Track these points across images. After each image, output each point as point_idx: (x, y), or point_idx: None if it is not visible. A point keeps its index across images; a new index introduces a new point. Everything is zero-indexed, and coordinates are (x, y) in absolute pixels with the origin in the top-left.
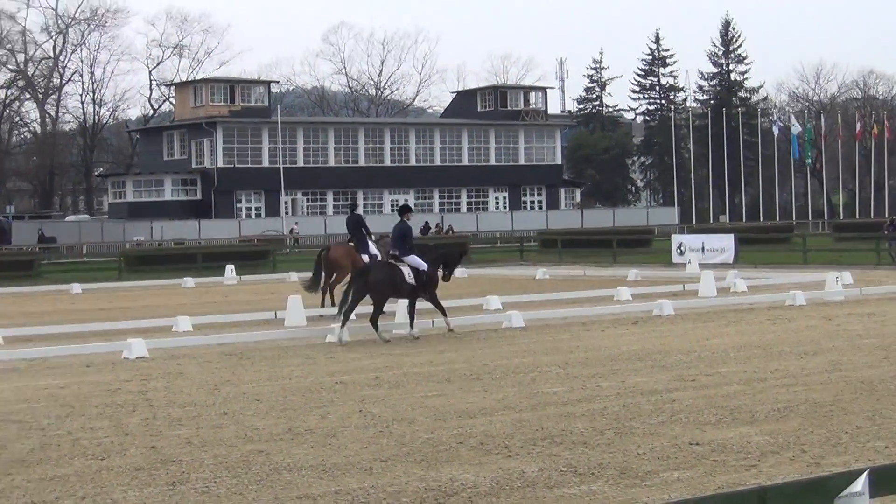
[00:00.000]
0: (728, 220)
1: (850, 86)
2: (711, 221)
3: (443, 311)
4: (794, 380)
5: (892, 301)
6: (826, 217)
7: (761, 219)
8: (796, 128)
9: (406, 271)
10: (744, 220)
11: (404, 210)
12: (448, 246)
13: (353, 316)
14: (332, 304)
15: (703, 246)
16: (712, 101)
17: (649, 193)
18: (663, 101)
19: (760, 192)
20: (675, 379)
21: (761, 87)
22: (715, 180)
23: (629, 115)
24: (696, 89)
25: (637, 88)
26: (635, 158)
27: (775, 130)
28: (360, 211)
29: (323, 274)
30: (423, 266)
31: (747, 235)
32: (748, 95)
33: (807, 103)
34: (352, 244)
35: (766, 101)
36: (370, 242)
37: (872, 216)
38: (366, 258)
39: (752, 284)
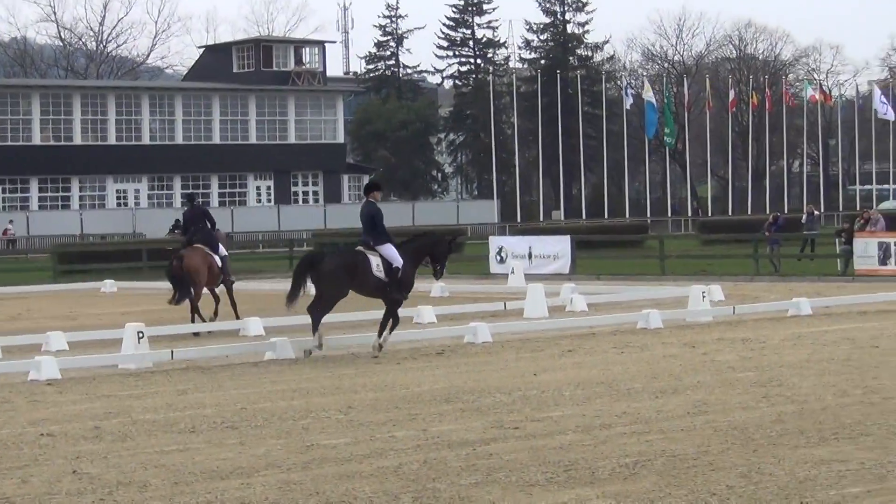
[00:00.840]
0: (563, 218)
1: (721, 42)
2: (542, 220)
3: (394, 323)
4: (648, 426)
5: (773, 322)
6: (690, 214)
7: (606, 216)
8: (651, 97)
9: (375, 262)
10: (584, 217)
11: (371, 188)
12: (428, 234)
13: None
14: (204, 320)
15: (529, 251)
16: (543, 62)
17: (460, 182)
18: (479, 61)
19: (605, 181)
20: (492, 426)
21: (607, 42)
22: (546, 165)
23: (434, 79)
24: (522, 45)
25: (444, 44)
26: (442, 136)
27: (626, 100)
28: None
29: (179, 289)
30: (398, 262)
31: (588, 238)
32: (589, 54)
33: (666, 65)
34: (200, 246)
35: (614, 61)
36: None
37: (750, 212)
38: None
39: (595, 302)
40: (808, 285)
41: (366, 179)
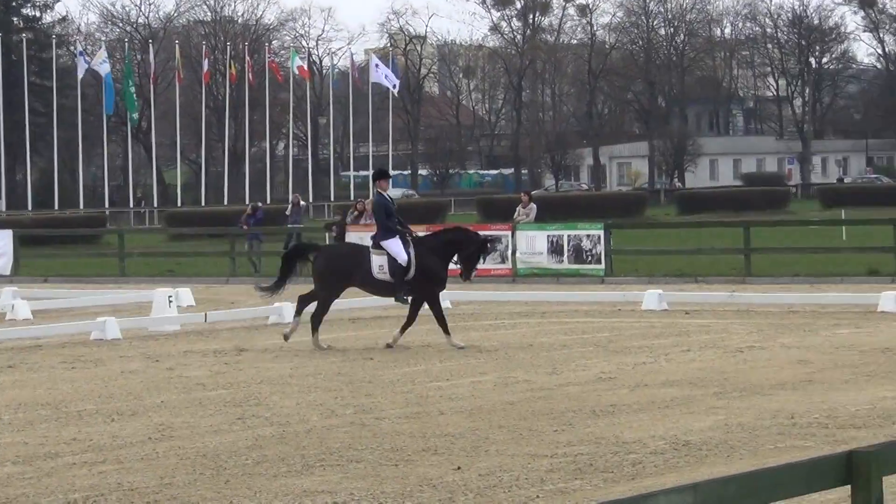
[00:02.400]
0: (4, 209)
1: (196, 2)
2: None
3: (443, 326)
4: (102, 454)
5: (251, 332)
6: (157, 204)
7: (57, 207)
8: (107, 66)
9: (378, 262)
10: (30, 208)
11: (379, 176)
12: (460, 229)
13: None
14: None
15: None
16: None
17: None
18: None
19: (56, 165)
20: None
21: (59, 1)
22: None
23: None
24: None
25: None
26: None
27: (80, 70)
28: None
29: None
30: (403, 257)
31: (34, 232)
32: (38, 14)
33: (129, 28)
34: None
35: (67, 23)
36: None
37: (226, 202)
38: None
39: (41, 308)
40: (294, 288)
41: None
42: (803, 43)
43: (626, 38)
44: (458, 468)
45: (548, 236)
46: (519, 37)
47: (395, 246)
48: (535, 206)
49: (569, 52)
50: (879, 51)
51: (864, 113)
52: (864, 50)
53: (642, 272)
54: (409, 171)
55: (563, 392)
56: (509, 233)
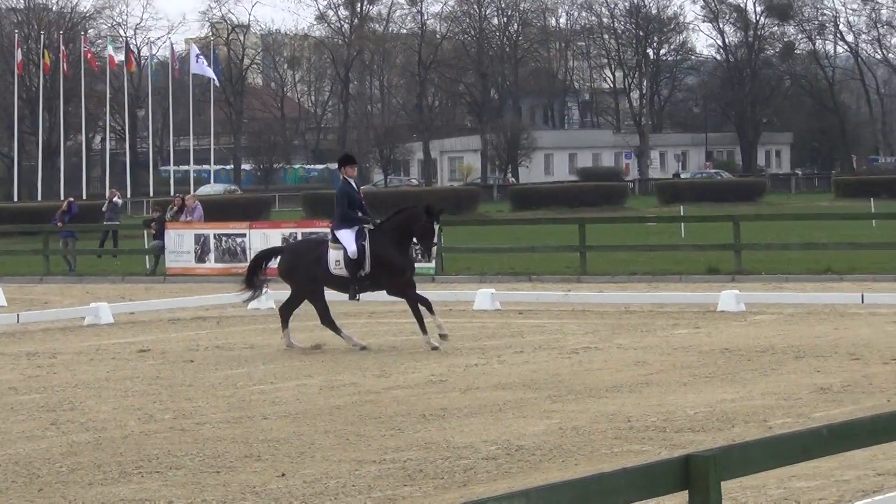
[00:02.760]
0: None
1: None
2: None
3: (426, 307)
4: None
5: (67, 333)
6: None
7: None
8: None
9: (335, 257)
10: None
11: (345, 161)
12: (407, 208)
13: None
14: None
15: None
16: None
17: None
18: None
19: None
20: None
21: None
22: None
23: None
24: None
25: None
26: None
27: None
28: None
29: None
30: (351, 248)
31: None
32: None
33: None
34: None
35: None
36: None
37: (40, 198)
38: None
39: None
40: (111, 287)
41: None
42: (641, 33)
43: (458, 28)
44: (283, 475)
45: None
46: (346, 26)
47: (346, 237)
48: None
49: (398, 43)
50: (719, 42)
51: (703, 106)
52: (704, 41)
53: (474, 271)
54: (232, 166)
55: (392, 395)
56: None
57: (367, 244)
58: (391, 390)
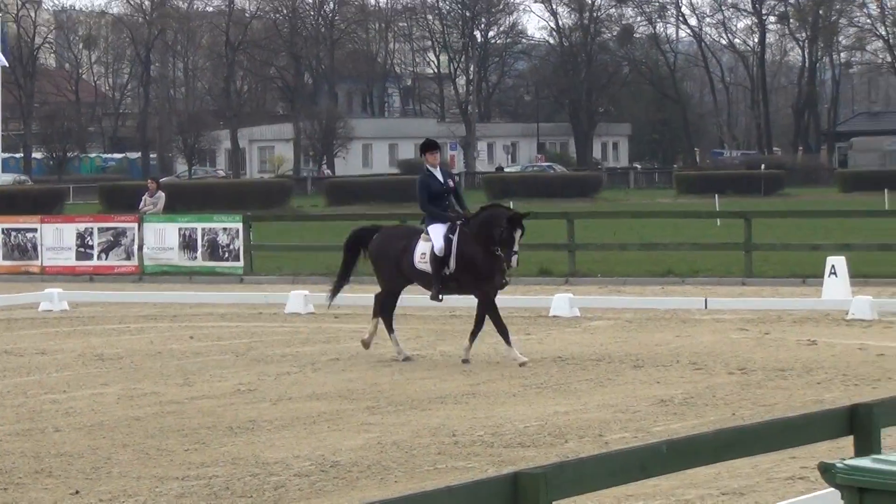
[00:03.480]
0: None
1: None
2: None
3: (503, 335)
4: None
5: None
6: None
7: None
8: None
9: (421, 250)
10: None
11: (426, 147)
12: (492, 206)
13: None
14: None
15: None
16: None
17: None
18: None
19: None
20: None
21: None
22: None
23: None
24: None
25: None
26: None
27: None
28: None
29: None
30: (438, 245)
31: None
32: None
33: None
34: None
35: None
36: None
37: None
38: None
39: None
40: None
41: None
42: (467, 14)
43: (269, 6)
44: (77, 492)
45: (179, 229)
46: (147, 3)
47: (435, 232)
48: (163, 194)
49: (204, 21)
50: (552, 24)
51: (535, 94)
52: (536, 23)
53: (286, 270)
54: (22, 154)
55: (197, 406)
56: (135, 225)
57: (454, 240)
58: (196, 400)
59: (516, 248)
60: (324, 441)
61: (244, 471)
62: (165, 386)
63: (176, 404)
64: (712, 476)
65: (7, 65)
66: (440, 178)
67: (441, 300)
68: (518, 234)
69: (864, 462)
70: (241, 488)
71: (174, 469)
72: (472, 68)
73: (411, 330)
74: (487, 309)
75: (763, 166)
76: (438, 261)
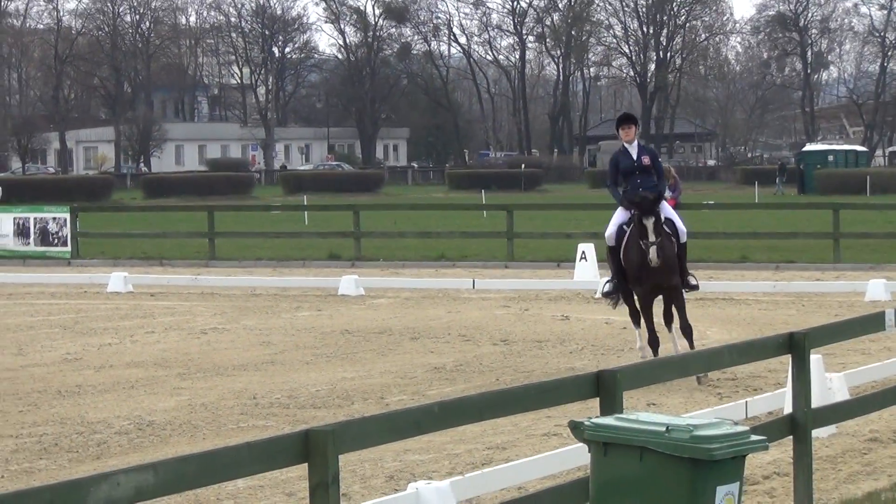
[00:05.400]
0: None
1: None
2: None
3: (687, 337)
4: None
5: None
6: None
7: None
8: None
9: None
10: None
11: (623, 121)
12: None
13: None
14: None
15: None
16: None
17: None
18: None
19: None
20: None
21: None
22: None
23: None
24: None
25: None
26: None
27: None
28: None
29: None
30: (609, 228)
31: None
32: None
33: None
34: None
35: None
36: None
37: None
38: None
39: None
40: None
41: None
42: (267, 32)
43: (93, 24)
44: None
45: (14, 219)
46: None
47: (614, 216)
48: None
49: (35, 37)
50: (341, 42)
51: (325, 102)
52: (326, 40)
53: (109, 255)
54: None
55: (29, 373)
56: None
57: (628, 230)
58: (28, 368)
59: (652, 238)
60: (141, 403)
61: (71, 429)
62: (1, 356)
63: (10, 371)
64: (479, 433)
65: None
66: (633, 154)
67: (610, 299)
68: (648, 222)
69: (609, 420)
70: (69, 444)
71: (9, 428)
72: (270, 79)
73: (217, 307)
74: (675, 303)
75: (523, 166)
76: (611, 252)
